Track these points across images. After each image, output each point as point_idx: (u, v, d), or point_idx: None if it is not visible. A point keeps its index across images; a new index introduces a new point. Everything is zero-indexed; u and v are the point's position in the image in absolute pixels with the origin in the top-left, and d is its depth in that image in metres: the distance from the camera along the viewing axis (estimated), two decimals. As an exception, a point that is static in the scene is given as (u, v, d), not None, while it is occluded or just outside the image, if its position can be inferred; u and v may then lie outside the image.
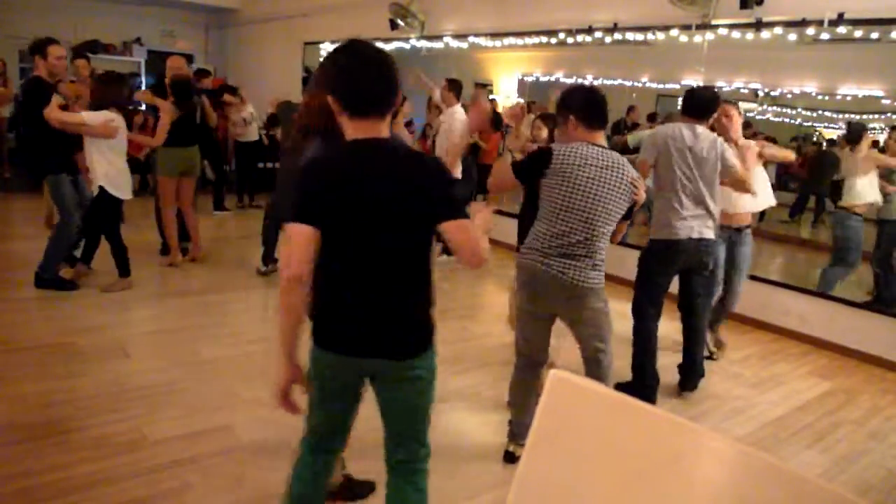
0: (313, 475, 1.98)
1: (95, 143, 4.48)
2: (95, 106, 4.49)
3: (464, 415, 3.42)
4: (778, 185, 5.48)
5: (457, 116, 5.86)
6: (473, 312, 5.30)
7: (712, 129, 3.61)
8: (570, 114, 2.70)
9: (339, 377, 1.84)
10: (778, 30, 4.85)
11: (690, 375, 3.78)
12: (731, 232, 4.03)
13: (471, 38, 7.28)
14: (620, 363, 3.78)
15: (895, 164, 4.90)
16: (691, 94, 3.61)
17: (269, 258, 5.47)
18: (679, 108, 3.68)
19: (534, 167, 2.68)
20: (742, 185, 3.65)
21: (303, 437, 1.96)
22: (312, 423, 1.94)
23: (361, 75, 1.67)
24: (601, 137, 2.71)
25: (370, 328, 1.74)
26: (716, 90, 3.78)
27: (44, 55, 4.68)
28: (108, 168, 4.54)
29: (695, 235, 3.46)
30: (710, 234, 3.51)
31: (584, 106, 2.70)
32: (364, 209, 1.66)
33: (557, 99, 2.80)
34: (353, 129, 1.70)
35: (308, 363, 1.83)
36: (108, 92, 4.55)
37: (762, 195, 4.08)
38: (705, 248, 3.52)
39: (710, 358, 4.22)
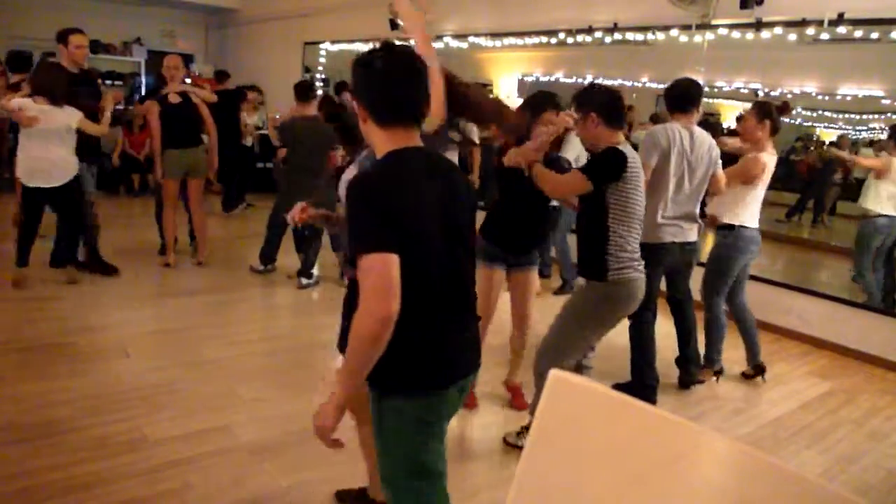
0: None
1: (22, 131, 4.48)
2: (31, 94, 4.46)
3: (464, 414, 3.42)
4: (782, 186, 5.49)
5: None
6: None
7: (732, 132, 3.66)
8: (590, 111, 2.66)
9: (451, 408, 1.76)
10: (778, 30, 4.85)
11: (686, 368, 3.84)
12: None
13: (471, 38, 7.28)
14: (619, 364, 3.79)
15: None
16: (672, 88, 3.61)
17: (267, 259, 5.46)
18: (664, 105, 3.69)
19: (612, 170, 2.61)
20: (717, 189, 3.72)
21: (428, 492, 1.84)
22: (438, 470, 1.83)
23: (403, 81, 1.57)
24: (621, 137, 2.70)
25: (471, 345, 1.73)
26: (694, 80, 3.75)
27: (65, 43, 4.76)
28: (22, 156, 4.48)
29: (678, 239, 3.50)
30: (693, 236, 3.59)
31: (606, 103, 2.67)
32: (439, 224, 1.56)
33: (574, 96, 2.77)
34: (387, 138, 1.58)
35: (397, 412, 1.69)
36: (40, 81, 4.49)
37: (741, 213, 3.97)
38: (690, 250, 3.60)
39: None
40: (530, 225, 3.24)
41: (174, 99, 5.27)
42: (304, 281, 5.24)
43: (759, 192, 3.82)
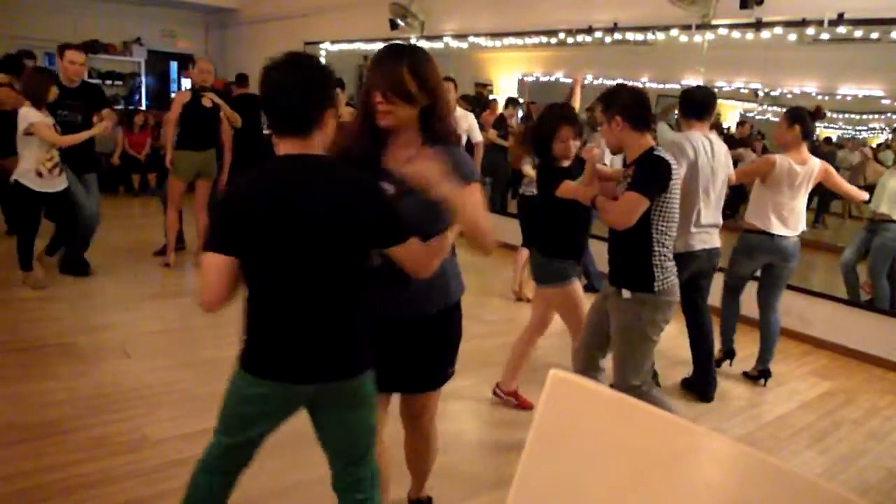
0: (212, 497, 1.86)
1: None
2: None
3: (464, 415, 3.42)
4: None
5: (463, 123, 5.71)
6: (472, 312, 5.29)
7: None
8: (615, 113, 2.59)
9: (271, 404, 1.76)
10: (778, 30, 4.85)
11: (705, 377, 3.77)
12: None
13: (471, 38, 7.28)
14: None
15: None
16: (690, 95, 3.60)
17: None
18: (677, 112, 3.68)
19: (663, 181, 2.53)
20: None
21: (201, 458, 1.85)
22: (222, 445, 1.84)
23: (279, 91, 1.60)
24: (650, 140, 2.63)
25: (318, 353, 1.68)
26: (709, 89, 3.78)
27: (60, 57, 4.82)
28: None
29: (707, 246, 3.51)
30: (717, 242, 3.59)
31: (631, 105, 2.60)
32: (292, 231, 1.59)
33: (599, 98, 2.73)
34: (280, 147, 1.63)
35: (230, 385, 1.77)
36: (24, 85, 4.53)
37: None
38: (715, 256, 3.61)
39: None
40: (585, 231, 3.22)
41: (207, 103, 5.32)
42: None
43: (785, 198, 3.75)
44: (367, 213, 1.63)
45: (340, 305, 1.69)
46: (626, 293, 2.63)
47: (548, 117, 3.13)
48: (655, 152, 2.55)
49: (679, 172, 2.61)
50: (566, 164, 3.07)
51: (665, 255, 2.60)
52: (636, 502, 0.94)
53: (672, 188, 2.54)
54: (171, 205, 5.41)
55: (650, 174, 2.52)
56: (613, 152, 2.90)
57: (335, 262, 1.64)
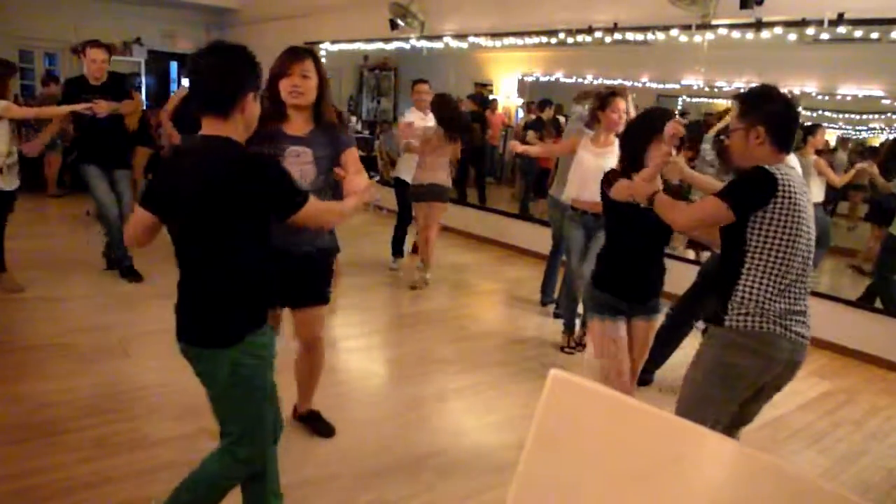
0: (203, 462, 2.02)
1: None
2: None
3: (464, 415, 3.42)
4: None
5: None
6: (472, 312, 5.30)
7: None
8: (759, 124, 2.07)
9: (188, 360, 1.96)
10: (778, 30, 4.85)
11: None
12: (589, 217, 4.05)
13: (471, 38, 7.28)
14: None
15: None
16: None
17: None
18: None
19: (757, 194, 2.04)
20: None
21: None
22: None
23: (200, 74, 1.78)
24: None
25: (183, 312, 1.90)
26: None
27: (84, 55, 4.84)
28: None
29: None
30: None
31: (780, 115, 2.09)
32: (178, 202, 1.80)
33: (737, 96, 2.19)
34: (203, 127, 1.82)
35: None
36: None
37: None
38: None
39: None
40: (651, 265, 2.73)
41: None
42: None
43: None
44: (256, 193, 1.78)
45: (208, 276, 1.84)
46: (703, 324, 2.34)
47: (647, 118, 2.74)
48: (770, 168, 2.04)
49: (797, 197, 2.03)
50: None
51: (757, 292, 2.07)
52: (636, 502, 0.94)
53: (780, 210, 2.01)
54: None
55: (743, 182, 2.09)
56: (735, 171, 2.43)
57: (210, 237, 1.80)
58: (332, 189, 2.64)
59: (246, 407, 1.92)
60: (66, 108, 4.72)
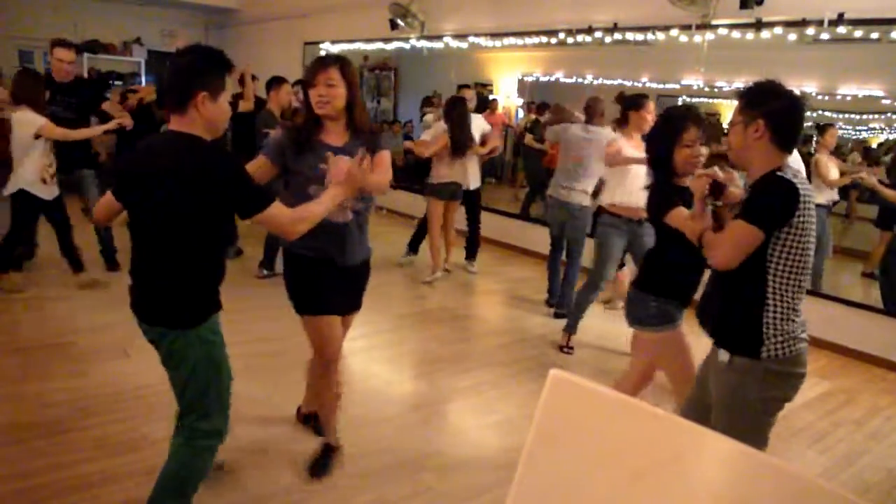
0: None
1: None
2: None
3: (464, 415, 3.43)
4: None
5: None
6: (473, 312, 5.31)
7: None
8: (760, 118, 1.97)
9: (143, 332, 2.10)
10: (778, 30, 4.85)
11: None
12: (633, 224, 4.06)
13: (471, 38, 7.29)
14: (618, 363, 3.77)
15: None
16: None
17: (268, 265, 5.46)
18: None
19: (783, 210, 1.91)
20: None
21: None
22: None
23: (166, 72, 1.97)
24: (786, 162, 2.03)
25: (140, 296, 2.04)
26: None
27: (51, 52, 4.78)
28: None
29: None
30: None
31: (784, 111, 1.99)
32: (137, 193, 1.95)
33: (742, 92, 2.07)
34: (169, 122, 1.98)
35: None
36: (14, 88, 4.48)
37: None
38: None
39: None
40: (702, 268, 2.55)
41: None
42: (265, 272, 5.32)
43: None
44: (213, 187, 1.87)
45: (164, 263, 1.97)
46: (723, 355, 2.06)
47: (672, 116, 2.67)
48: (779, 173, 1.95)
49: (812, 205, 1.95)
50: (687, 181, 2.48)
51: (785, 314, 1.97)
52: (636, 502, 0.94)
53: (798, 224, 1.92)
54: None
55: (766, 200, 1.95)
56: (732, 166, 2.33)
57: (165, 226, 1.92)
58: (368, 201, 2.60)
59: (215, 380, 2.10)
60: (98, 129, 4.77)
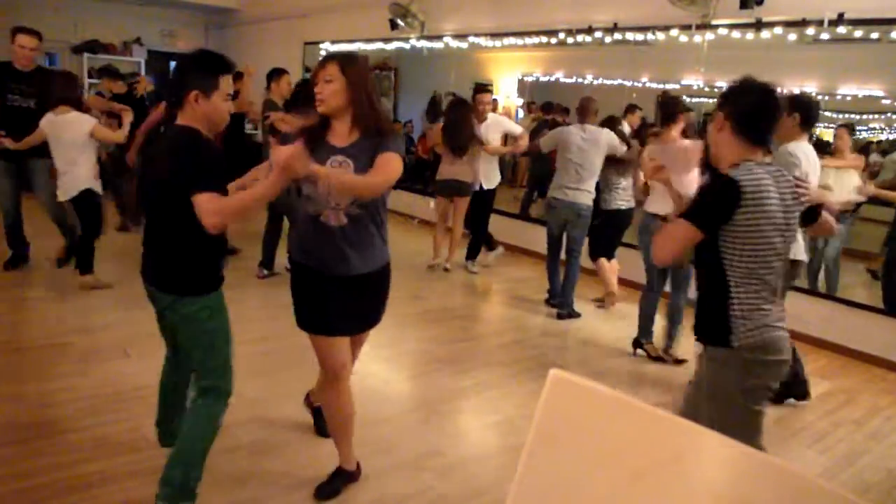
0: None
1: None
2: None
3: (464, 415, 3.43)
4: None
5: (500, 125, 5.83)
6: (473, 312, 5.31)
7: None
8: (723, 112, 2.06)
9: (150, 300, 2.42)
10: (778, 30, 4.85)
11: (794, 377, 3.62)
12: None
13: (471, 38, 7.29)
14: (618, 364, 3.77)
15: None
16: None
17: (268, 265, 5.46)
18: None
19: (719, 210, 1.97)
20: None
21: None
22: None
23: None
24: (756, 157, 2.06)
25: (148, 263, 2.35)
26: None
27: (12, 40, 4.72)
28: None
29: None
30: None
31: (751, 111, 2.04)
32: (145, 172, 2.31)
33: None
34: None
35: None
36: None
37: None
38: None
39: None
40: None
41: None
42: (264, 272, 5.32)
43: None
44: (179, 160, 2.11)
45: (166, 235, 2.25)
46: (698, 346, 2.15)
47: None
48: (731, 170, 1.99)
49: (762, 200, 1.96)
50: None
51: (751, 303, 2.02)
52: (636, 502, 0.94)
53: (748, 218, 1.95)
54: None
55: (703, 195, 2.03)
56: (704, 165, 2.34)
57: (160, 202, 2.19)
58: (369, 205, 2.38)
59: (221, 344, 2.37)
60: (126, 126, 4.69)
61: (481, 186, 5.83)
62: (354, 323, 2.46)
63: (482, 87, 6.10)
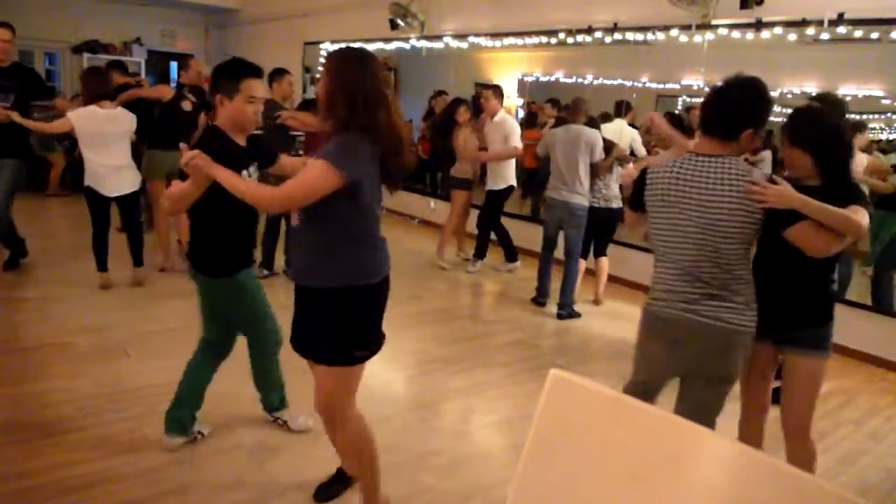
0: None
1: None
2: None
3: (463, 415, 3.42)
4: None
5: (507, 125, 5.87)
6: (473, 312, 5.31)
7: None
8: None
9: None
10: (778, 30, 4.85)
11: None
12: None
13: (471, 38, 7.28)
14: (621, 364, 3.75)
15: None
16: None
17: (267, 264, 5.47)
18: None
19: (635, 196, 2.34)
20: None
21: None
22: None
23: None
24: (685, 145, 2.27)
25: (194, 248, 2.67)
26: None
27: None
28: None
29: None
30: None
31: (704, 105, 2.19)
32: None
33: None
34: None
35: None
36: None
37: None
38: None
39: None
40: (796, 280, 2.30)
41: (187, 106, 5.39)
42: (265, 272, 5.33)
43: None
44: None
45: (200, 220, 2.59)
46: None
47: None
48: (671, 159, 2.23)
49: (655, 187, 2.19)
50: (812, 181, 2.23)
51: (656, 276, 2.26)
52: (636, 502, 0.94)
53: (650, 202, 2.23)
54: (160, 209, 5.35)
55: (638, 183, 2.31)
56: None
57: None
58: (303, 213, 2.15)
59: (256, 310, 2.81)
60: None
61: (487, 186, 6.00)
62: (294, 339, 2.20)
63: (483, 87, 6.15)
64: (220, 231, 2.57)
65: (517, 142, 5.79)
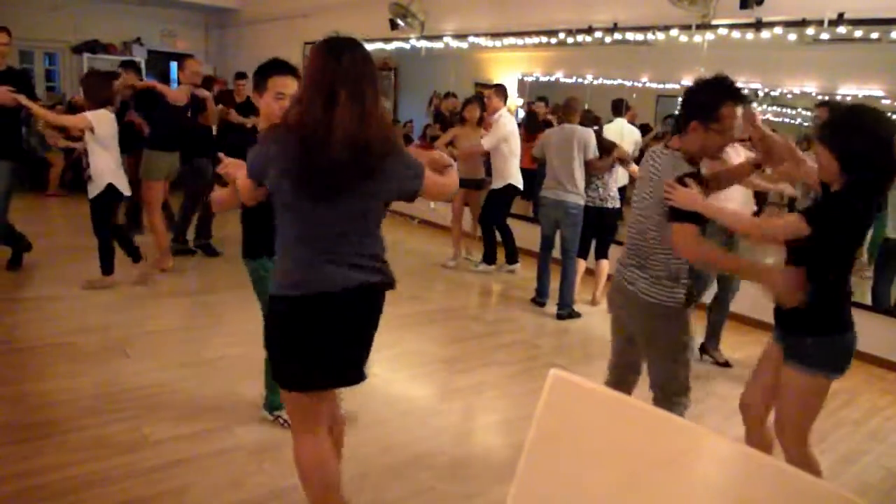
0: None
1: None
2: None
3: (464, 415, 3.42)
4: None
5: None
6: (473, 312, 5.30)
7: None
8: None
9: None
10: (778, 30, 4.85)
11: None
12: None
13: (471, 38, 7.28)
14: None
15: None
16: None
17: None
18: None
19: None
20: None
21: None
22: None
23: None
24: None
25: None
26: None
27: None
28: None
29: None
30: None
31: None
32: None
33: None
34: None
35: None
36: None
37: None
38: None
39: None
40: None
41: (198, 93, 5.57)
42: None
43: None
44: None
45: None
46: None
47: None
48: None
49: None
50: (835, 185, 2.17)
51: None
52: (636, 502, 0.94)
53: None
54: (156, 210, 5.33)
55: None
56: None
57: None
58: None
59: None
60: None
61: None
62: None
63: (484, 87, 6.18)
64: (249, 215, 2.68)
65: (495, 141, 5.73)
